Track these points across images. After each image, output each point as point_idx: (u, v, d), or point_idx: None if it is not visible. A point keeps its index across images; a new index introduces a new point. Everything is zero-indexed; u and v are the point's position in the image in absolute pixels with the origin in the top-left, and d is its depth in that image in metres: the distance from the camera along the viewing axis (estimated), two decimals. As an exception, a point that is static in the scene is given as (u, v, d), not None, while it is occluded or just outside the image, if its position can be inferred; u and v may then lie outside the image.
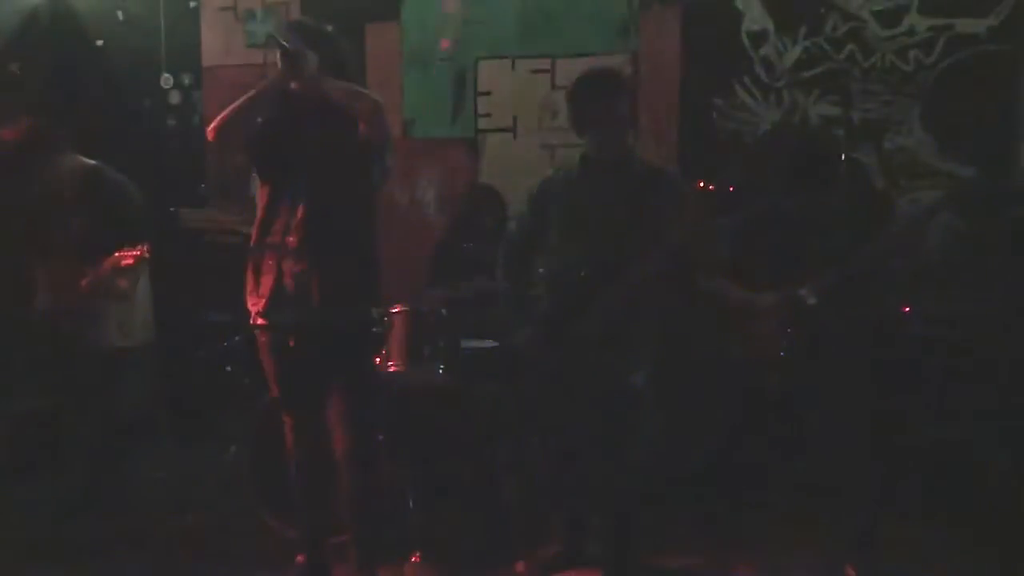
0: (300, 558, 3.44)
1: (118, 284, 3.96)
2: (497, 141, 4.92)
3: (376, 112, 3.07)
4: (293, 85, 3.06)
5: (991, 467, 3.50)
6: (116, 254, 3.75)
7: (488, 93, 4.92)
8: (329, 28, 3.25)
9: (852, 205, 3.40)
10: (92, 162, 4.10)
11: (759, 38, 4.46)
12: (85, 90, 5.49)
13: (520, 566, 3.59)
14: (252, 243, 3.21)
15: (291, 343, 3.17)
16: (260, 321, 3.19)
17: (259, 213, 3.20)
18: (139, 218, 4.03)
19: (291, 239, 3.10)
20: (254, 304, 3.20)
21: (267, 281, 3.14)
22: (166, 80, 5.44)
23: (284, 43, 3.01)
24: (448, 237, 4.74)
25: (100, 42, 5.51)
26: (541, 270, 3.47)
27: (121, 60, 5.49)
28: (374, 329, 3.52)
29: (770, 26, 4.44)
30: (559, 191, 3.33)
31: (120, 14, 5.48)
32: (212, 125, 3.09)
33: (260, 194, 3.23)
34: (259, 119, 3.13)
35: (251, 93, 3.08)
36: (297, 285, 3.10)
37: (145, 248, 3.74)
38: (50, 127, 4.10)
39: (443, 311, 3.79)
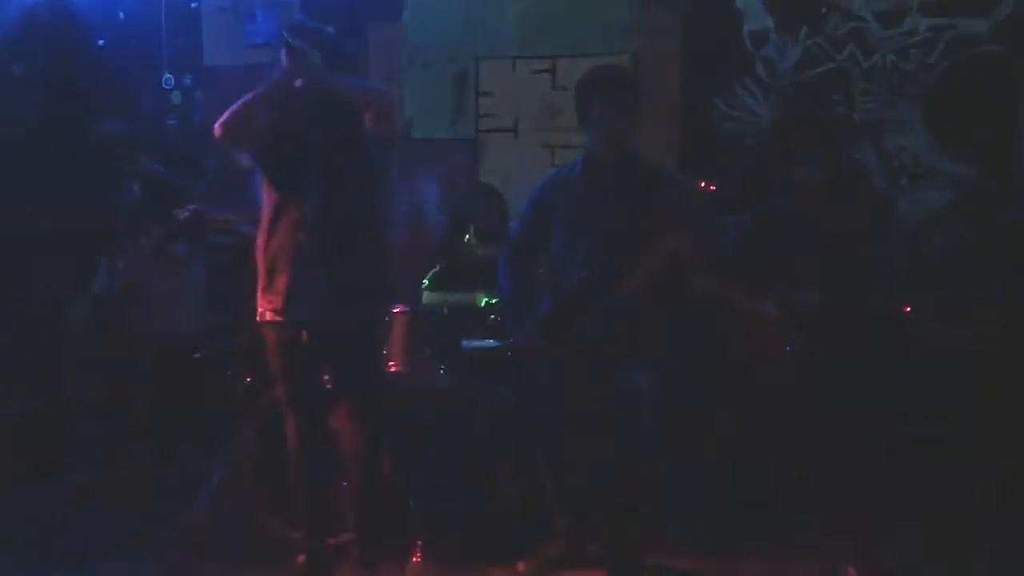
0: (300, 558, 3.44)
1: (173, 250, 4.36)
2: (498, 141, 4.91)
3: (388, 107, 3.09)
4: (300, 83, 3.07)
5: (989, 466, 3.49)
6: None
7: (489, 93, 4.92)
8: (329, 29, 3.26)
9: (852, 206, 3.39)
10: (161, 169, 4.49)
11: (760, 38, 4.46)
12: (86, 91, 5.50)
13: (521, 566, 3.59)
14: (261, 241, 3.21)
15: (305, 339, 3.17)
16: (275, 318, 3.20)
17: (267, 211, 3.21)
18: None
19: (303, 236, 3.11)
20: (268, 302, 3.20)
21: (282, 279, 3.14)
22: (167, 80, 5.44)
23: (291, 41, 3.02)
24: (448, 238, 4.74)
25: (101, 42, 5.51)
26: (542, 270, 3.47)
27: (122, 60, 5.50)
28: (385, 321, 3.56)
29: (771, 26, 4.43)
30: (561, 190, 3.33)
31: (121, 14, 5.48)
32: (219, 121, 3.09)
33: (267, 192, 3.23)
34: (266, 118, 3.14)
35: (259, 90, 3.09)
36: (313, 282, 3.11)
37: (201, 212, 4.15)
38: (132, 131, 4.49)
39: (444, 311, 3.79)
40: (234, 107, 3.08)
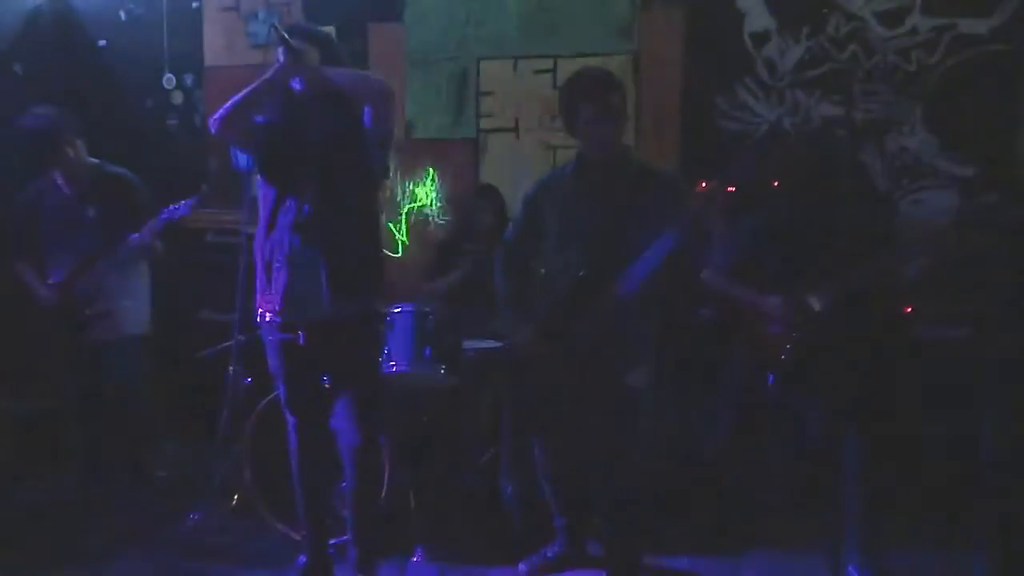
0: (300, 558, 3.44)
1: (156, 246, 4.06)
2: (499, 141, 4.91)
3: (387, 97, 3.09)
4: (296, 81, 3.08)
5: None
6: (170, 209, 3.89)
7: (490, 93, 4.92)
8: (324, 30, 3.26)
9: (855, 207, 3.39)
10: (94, 160, 4.09)
11: (761, 38, 4.45)
12: (87, 90, 5.50)
13: (521, 566, 3.59)
14: (259, 241, 3.21)
15: (303, 339, 3.18)
16: (273, 318, 3.20)
17: (264, 211, 3.21)
18: (146, 201, 4.07)
19: (300, 236, 3.11)
20: (266, 302, 3.20)
21: (279, 279, 3.14)
22: (168, 80, 5.44)
23: (287, 38, 3.02)
24: (449, 237, 4.75)
25: (103, 42, 5.52)
26: (543, 270, 3.46)
27: (123, 60, 5.50)
28: (383, 322, 3.55)
29: (772, 26, 4.43)
30: (554, 192, 3.33)
31: (122, 14, 5.48)
32: (214, 116, 3.10)
33: (264, 192, 3.23)
34: (262, 115, 3.15)
35: (254, 85, 3.09)
36: (310, 281, 3.11)
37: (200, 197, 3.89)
38: (67, 120, 4.04)
39: (445, 311, 3.79)
40: (229, 103, 3.08)
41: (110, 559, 3.70)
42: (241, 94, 3.08)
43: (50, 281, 4.07)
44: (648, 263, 3.04)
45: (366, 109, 3.09)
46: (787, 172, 3.53)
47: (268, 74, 3.09)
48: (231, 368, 4.04)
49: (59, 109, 4.06)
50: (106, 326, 4.05)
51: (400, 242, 4.91)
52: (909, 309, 3.98)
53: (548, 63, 4.79)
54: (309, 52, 3.05)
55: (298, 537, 3.52)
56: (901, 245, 3.40)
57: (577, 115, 3.19)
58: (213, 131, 3.12)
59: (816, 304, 3.36)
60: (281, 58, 3.07)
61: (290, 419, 3.36)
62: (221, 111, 3.09)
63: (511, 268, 3.45)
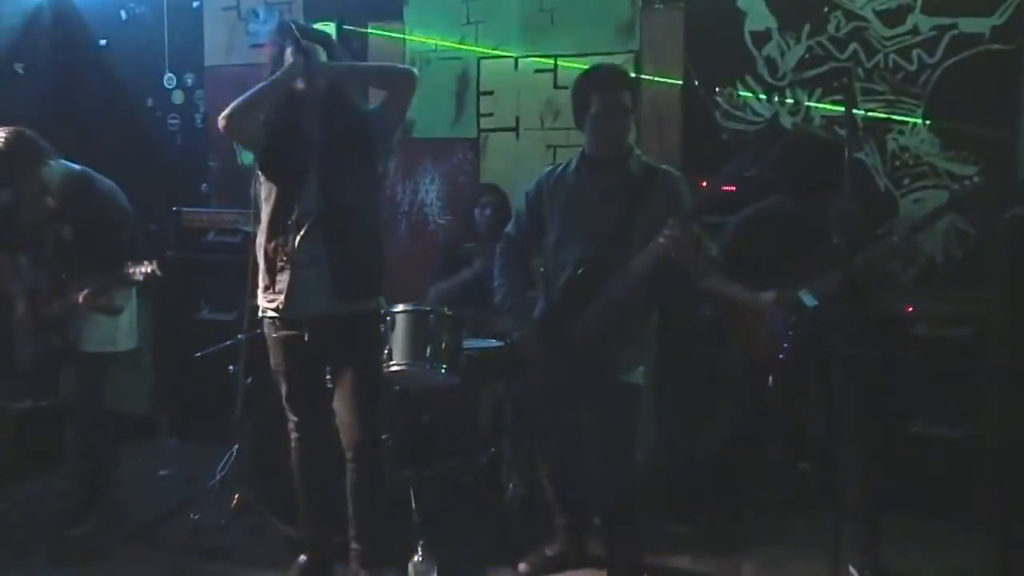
0: (302, 558, 3.44)
1: (113, 301, 3.70)
2: (499, 141, 4.91)
3: (409, 82, 3.15)
4: (308, 80, 3.08)
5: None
6: (126, 270, 3.49)
7: (490, 93, 4.91)
8: (325, 29, 3.28)
9: (852, 205, 3.38)
10: (78, 167, 3.81)
11: (762, 37, 4.45)
12: (88, 90, 5.51)
13: (521, 566, 3.59)
14: (261, 241, 3.22)
15: (306, 337, 3.18)
16: (276, 316, 3.21)
17: (267, 210, 3.21)
18: (127, 224, 3.81)
19: (302, 234, 3.12)
20: (270, 301, 3.21)
21: (282, 278, 3.14)
22: (169, 80, 5.45)
23: (299, 36, 3.02)
24: (450, 237, 4.75)
25: (103, 42, 5.53)
26: (542, 268, 3.46)
27: (124, 60, 5.51)
28: (384, 320, 3.56)
29: (773, 25, 4.42)
30: (555, 188, 3.33)
31: (123, 13, 5.49)
32: (224, 113, 3.09)
33: (267, 192, 3.23)
34: (270, 114, 3.15)
35: (264, 84, 3.09)
36: (313, 280, 3.13)
37: (153, 266, 3.48)
38: (30, 138, 3.67)
39: (446, 310, 3.78)
40: (239, 100, 3.07)
41: (110, 559, 3.70)
42: (250, 92, 3.08)
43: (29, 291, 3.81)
44: (648, 261, 3.04)
45: (385, 98, 3.15)
46: (785, 170, 3.53)
47: (279, 74, 3.08)
48: (232, 367, 4.04)
49: (17, 132, 3.64)
50: (66, 342, 3.77)
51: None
52: (910, 309, 3.98)
53: (548, 63, 4.79)
54: (318, 50, 3.07)
55: (297, 536, 3.52)
56: (895, 241, 3.39)
57: (588, 107, 3.19)
58: (221, 128, 3.11)
59: (810, 302, 3.35)
60: (290, 58, 3.06)
61: (291, 417, 3.37)
62: (230, 109, 3.07)
63: (512, 265, 3.44)
